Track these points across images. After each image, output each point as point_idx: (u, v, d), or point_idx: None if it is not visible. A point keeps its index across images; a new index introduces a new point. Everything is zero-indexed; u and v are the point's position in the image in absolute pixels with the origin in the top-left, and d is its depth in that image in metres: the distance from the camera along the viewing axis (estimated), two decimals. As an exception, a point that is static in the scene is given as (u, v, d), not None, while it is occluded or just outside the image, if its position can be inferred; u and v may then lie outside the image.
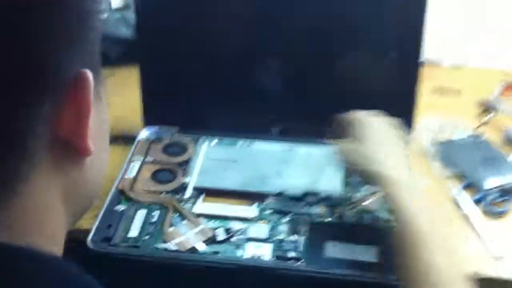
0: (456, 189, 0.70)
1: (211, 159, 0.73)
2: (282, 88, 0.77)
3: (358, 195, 0.67)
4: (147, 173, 0.70)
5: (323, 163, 0.71)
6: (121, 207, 0.64)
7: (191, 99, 0.78)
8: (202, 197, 0.67)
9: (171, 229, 0.61)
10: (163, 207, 0.65)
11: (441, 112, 0.86)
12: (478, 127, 0.81)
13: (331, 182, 0.68)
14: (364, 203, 0.65)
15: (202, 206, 0.65)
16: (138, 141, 0.76)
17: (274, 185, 0.68)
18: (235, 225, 0.62)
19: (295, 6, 0.73)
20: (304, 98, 0.76)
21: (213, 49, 0.75)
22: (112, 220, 0.62)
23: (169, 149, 0.74)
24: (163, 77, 0.78)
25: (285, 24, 0.74)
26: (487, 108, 0.86)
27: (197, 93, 0.78)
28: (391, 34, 0.74)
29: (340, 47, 0.74)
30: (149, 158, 0.72)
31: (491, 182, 0.69)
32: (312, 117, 0.75)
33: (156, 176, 0.70)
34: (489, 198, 0.67)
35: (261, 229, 0.62)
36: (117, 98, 0.90)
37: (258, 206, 0.66)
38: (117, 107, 0.86)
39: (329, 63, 0.75)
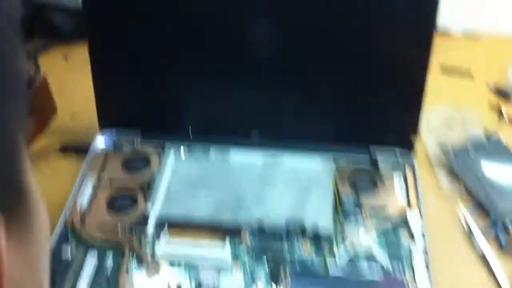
0: (466, 211, 0.59)
1: (178, 175, 0.62)
2: (266, 74, 0.63)
3: (352, 226, 0.57)
4: (101, 199, 0.59)
5: (312, 180, 0.60)
6: (67, 254, 0.54)
7: (156, 94, 0.66)
8: (166, 230, 0.57)
9: (127, 284, 0.52)
10: (119, 249, 0.55)
11: (449, 98, 0.74)
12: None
13: (319, 209, 0.58)
14: (359, 240, 0.55)
15: (166, 245, 0.55)
16: (92, 153, 0.64)
17: (252, 211, 0.57)
18: (204, 275, 0.53)
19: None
20: (296, 84, 0.63)
21: (184, 25, 0.61)
22: (57, 272, 0.52)
23: (129, 163, 0.63)
24: (121, 65, 0.64)
25: None
26: (502, 94, 0.74)
27: (163, 86, 0.65)
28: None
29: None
30: (105, 177, 0.61)
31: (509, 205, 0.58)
32: (305, 111, 0.64)
33: (112, 204, 0.59)
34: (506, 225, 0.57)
35: (234, 281, 0.52)
36: (70, 86, 0.78)
37: (233, 243, 0.55)
38: (70, 101, 0.75)
39: (331, 30, 0.60)
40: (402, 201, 0.59)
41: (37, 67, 0.68)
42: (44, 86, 0.68)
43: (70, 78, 0.77)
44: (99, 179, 0.61)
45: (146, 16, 0.61)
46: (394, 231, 0.57)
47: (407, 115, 0.62)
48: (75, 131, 0.70)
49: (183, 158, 0.63)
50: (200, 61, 0.63)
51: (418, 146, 0.63)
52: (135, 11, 0.61)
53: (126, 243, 0.55)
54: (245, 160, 0.63)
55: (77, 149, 0.66)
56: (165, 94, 0.66)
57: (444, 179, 0.63)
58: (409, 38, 0.59)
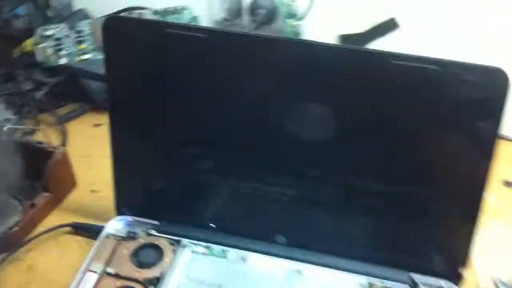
0: None
1: (190, 277, 0.55)
2: (302, 177, 0.57)
3: None
4: (103, 294, 0.54)
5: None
6: None
7: (179, 186, 0.61)
8: None
9: None
10: None
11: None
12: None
13: None
14: None
15: None
16: (104, 237, 0.59)
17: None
18: None
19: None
20: (334, 192, 0.57)
21: (217, 113, 0.57)
22: None
23: (140, 255, 0.57)
24: (144, 150, 0.60)
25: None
26: None
27: (188, 178, 0.61)
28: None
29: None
30: (110, 270, 0.56)
31: None
32: (341, 224, 0.58)
33: (114, 302, 0.53)
34: None
35: None
36: (96, 157, 0.75)
37: None
38: (95, 174, 0.70)
39: (381, 134, 0.54)
40: None
41: (63, 135, 0.66)
42: (64, 161, 0.65)
43: (97, 149, 0.73)
44: (104, 270, 0.55)
45: (176, 103, 0.57)
46: None
47: (457, 240, 0.54)
48: (92, 209, 0.66)
49: (199, 257, 0.57)
50: (231, 156, 0.58)
51: (467, 277, 0.55)
52: (163, 96, 0.57)
53: None
54: (266, 268, 0.56)
55: (89, 230, 0.61)
56: (189, 187, 0.61)
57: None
58: (468, 146, 0.52)
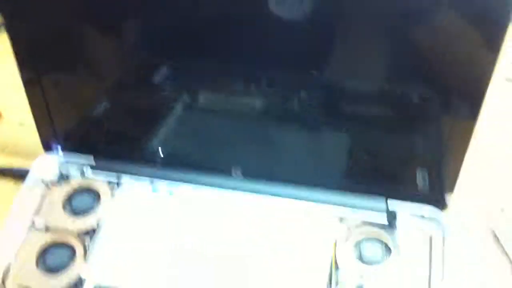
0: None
1: (132, 225, 0.48)
2: (260, 97, 0.47)
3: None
4: (31, 252, 0.46)
5: (303, 239, 0.46)
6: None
7: (117, 112, 0.51)
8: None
9: None
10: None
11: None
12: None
13: (307, 282, 0.43)
14: None
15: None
16: (31, 182, 0.50)
17: (217, 280, 0.44)
18: None
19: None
20: (295, 105, 0.47)
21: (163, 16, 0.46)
22: None
23: (73, 201, 0.49)
24: (65, 68, 0.49)
25: None
26: None
27: (127, 102, 0.51)
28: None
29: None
30: (39, 221, 0.48)
31: None
32: (306, 146, 0.49)
33: (44, 260, 0.46)
34: None
35: None
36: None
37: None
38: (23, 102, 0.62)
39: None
40: (423, 280, 0.44)
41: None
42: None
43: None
44: (33, 221, 0.48)
45: None
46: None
47: (446, 159, 0.45)
48: (22, 146, 0.56)
49: (143, 198, 0.49)
50: (180, 63, 0.47)
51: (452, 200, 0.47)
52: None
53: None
54: (222, 205, 0.48)
55: (14, 174, 0.53)
56: (128, 111, 0.51)
57: (483, 249, 0.47)
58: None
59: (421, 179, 0.47)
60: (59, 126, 0.51)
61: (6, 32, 0.59)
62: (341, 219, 0.47)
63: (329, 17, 0.42)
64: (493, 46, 0.39)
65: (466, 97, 0.42)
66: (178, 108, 0.50)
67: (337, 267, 0.44)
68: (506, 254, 0.46)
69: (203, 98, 0.49)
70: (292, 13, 0.41)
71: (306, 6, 0.41)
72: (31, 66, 0.48)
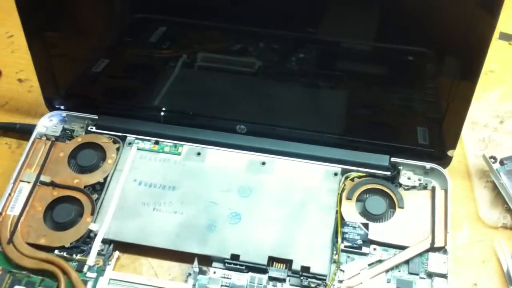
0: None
1: (138, 180, 0.48)
2: (260, 55, 0.47)
3: (354, 267, 0.43)
4: (38, 207, 0.46)
5: (308, 197, 0.46)
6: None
7: (120, 71, 0.51)
8: (114, 257, 0.44)
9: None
10: (53, 278, 0.43)
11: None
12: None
13: (313, 241, 0.44)
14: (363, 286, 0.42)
15: (111, 277, 0.43)
16: (34, 139, 0.50)
17: (226, 243, 0.44)
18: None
19: None
20: (296, 65, 0.47)
21: None
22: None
23: (78, 158, 0.49)
24: (69, 28, 0.49)
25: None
26: None
27: (130, 61, 0.50)
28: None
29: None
30: (45, 178, 0.48)
31: None
32: (308, 102, 0.49)
33: (51, 215, 0.46)
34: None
35: None
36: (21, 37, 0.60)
37: (198, 276, 0.43)
38: (21, 58, 0.56)
39: None
40: (425, 234, 0.45)
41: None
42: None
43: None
44: (38, 177, 0.48)
45: None
46: (410, 276, 0.43)
47: (448, 115, 0.46)
48: (22, 102, 0.56)
49: (147, 155, 0.49)
50: (182, 17, 0.47)
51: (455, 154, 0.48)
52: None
53: (61, 271, 0.43)
54: (225, 163, 0.49)
55: (18, 130, 0.52)
56: (131, 68, 0.51)
57: (484, 203, 0.48)
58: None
59: (423, 137, 0.48)
60: (62, 85, 0.51)
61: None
62: (345, 176, 0.48)
63: None
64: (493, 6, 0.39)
65: (467, 56, 0.42)
66: (179, 66, 0.49)
67: (343, 222, 0.45)
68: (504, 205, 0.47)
69: (203, 56, 0.49)
70: None
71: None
72: (35, 23, 0.47)
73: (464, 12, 0.40)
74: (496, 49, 0.59)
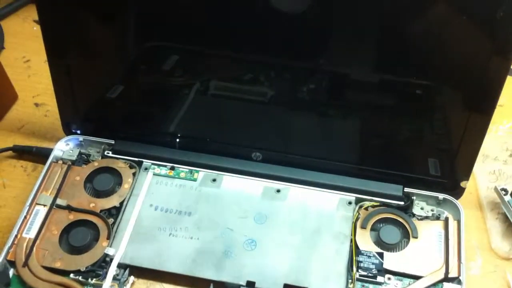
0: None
1: (155, 205, 0.48)
2: (279, 87, 0.48)
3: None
4: (54, 230, 0.46)
5: (323, 226, 0.47)
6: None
7: (138, 97, 0.52)
8: (129, 282, 0.44)
9: None
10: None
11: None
12: None
13: (329, 269, 0.44)
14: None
15: (127, 305, 0.43)
16: (51, 163, 0.51)
17: (242, 268, 0.44)
18: None
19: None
20: (316, 95, 0.48)
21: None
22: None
23: (95, 182, 0.50)
24: (90, 55, 0.50)
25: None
26: None
27: (147, 87, 0.51)
28: None
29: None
30: (61, 201, 0.48)
31: None
32: (324, 133, 0.50)
33: (66, 238, 0.46)
34: None
35: None
36: (39, 62, 0.62)
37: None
38: (38, 83, 0.58)
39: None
40: (439, 264, 0.45)
41: None
42: None
43: (40, 51, 0.61)
44: (54, 200, 0.48)
45: None
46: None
47: (462, 148, 0.46)
48: (38, 126, 0.56)
49: (163, 181, 0.50)
50: (198, 47, 0.48)
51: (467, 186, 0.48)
52: None
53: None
54: (241, 190, 0.49)
55: (34, 153, 0.53)
56: (148, 95, 0.52)
57: (497, 235, 0.49)
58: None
59: (437, 167, 0.49)
60: (80, 110, 0.51)
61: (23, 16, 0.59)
62: (359, 205, 0.48)
63: (331, 10, 0.43)
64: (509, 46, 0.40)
65: (483, 91, 0.43)
66: (193, 93, 0.50)
67: (358, 251, 0.45)
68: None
69: (216, 85, 0.50)
70: (292, 8, 0.43)
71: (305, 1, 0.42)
72: (60, 52, 0.48)
73: (481, 54, 0.41)
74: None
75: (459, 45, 0.42)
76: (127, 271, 0.45)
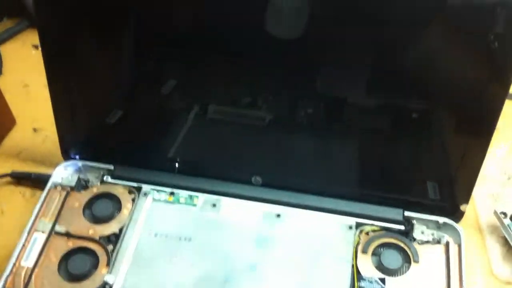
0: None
1: (154, 230, 0.48)
2: (277, 107, 0.49)
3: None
4: (53, 258, 0.46)
5: (323, 249, 0.47)
6: None
7: (136, 123, 0.52)
8: (130, 310, 0.44)
9: None
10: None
11: None
12: None
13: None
14: None
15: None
16: (50, 189, 0.50)
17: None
18: None
19: None
20: (315, 120, 0.48)
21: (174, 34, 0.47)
22: None
23: (94, 208, 0.49)
24: (91, 81, 0.50)
25: None
26: None
27: (146, 112, 0.51)
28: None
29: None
30: (60, 228, 0.48)
31: None
32: (323, 157, 0.50)
33: (65, 266, 0.46)
34: None
35: None
36: (37, 87, 0.62)
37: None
38: (36, 108, 0.57)
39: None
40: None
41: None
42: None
43: (38, 76, 0.61)
44: (53, 227, 0.48)
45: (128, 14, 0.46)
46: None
47: (461, 172, 0.47)
48: (36, 152, 0.56)
49: (163, 206, 0.50)
50: (198, 73, 0.48)
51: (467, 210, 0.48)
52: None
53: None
54: (241, 214, 0.49)
55: (33, 179, 0.52)
56: (147, 121, 0.52)
57: (497, 258, 0.49)
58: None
59: (436, 191, 0.49)
60: (79, 135, 0.51)
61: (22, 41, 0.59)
62: (360, 229, 0.48)
63: (327, 36, 0.43)
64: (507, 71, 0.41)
65: (481, 115, 0.44)
66: (191, 118, 0.51)
67: (359, 276, 0.45)
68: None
69: (214, 109, 0.50)
70: (289, 34, 0.43)
71: (302, 27, 0.43)
72: (60, 76, 0.48)
73: (479, 78, 0.42)
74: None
75: (457, 70, 0.43)
76: (127, 300, 0.44)
